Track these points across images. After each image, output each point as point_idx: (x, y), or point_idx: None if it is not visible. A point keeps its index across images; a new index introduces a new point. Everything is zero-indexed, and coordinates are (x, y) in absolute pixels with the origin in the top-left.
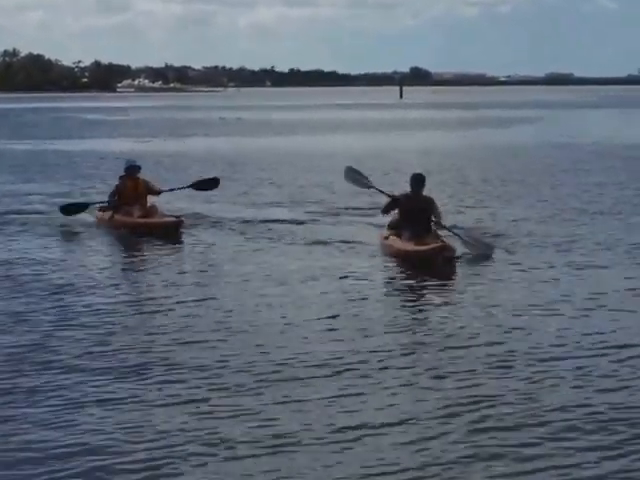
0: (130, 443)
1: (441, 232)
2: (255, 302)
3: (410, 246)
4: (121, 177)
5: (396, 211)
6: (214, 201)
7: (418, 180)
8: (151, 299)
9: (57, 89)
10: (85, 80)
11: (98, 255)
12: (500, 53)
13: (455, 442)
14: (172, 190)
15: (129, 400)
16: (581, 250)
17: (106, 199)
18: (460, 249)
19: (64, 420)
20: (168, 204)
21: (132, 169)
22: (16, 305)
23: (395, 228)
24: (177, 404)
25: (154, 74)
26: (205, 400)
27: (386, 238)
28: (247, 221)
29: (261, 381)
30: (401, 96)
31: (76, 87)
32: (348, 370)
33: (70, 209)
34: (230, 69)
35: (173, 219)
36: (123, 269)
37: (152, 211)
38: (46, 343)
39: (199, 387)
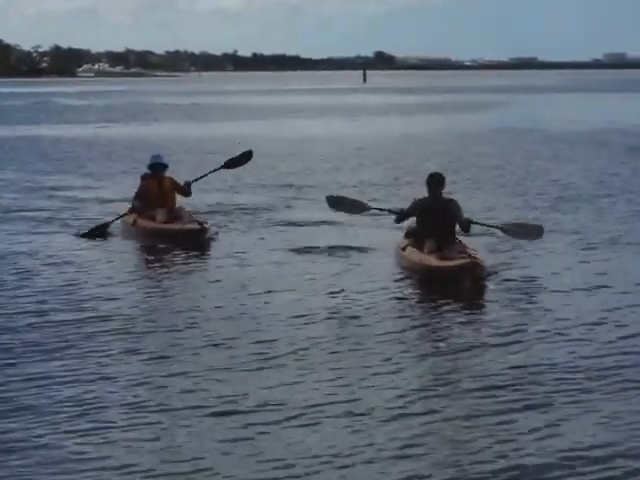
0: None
1: (468, 235)
2: (259, 316)
3: (433, 261)
4: (143, 176)
5: (413, 218)
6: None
7: (436, 180)
8: (159, 310)
9: (16, 74)
10: (44, 65)
11: (115, 263)
12: (464, 37)
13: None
14: (204, 177)
15: (143, 408)
16: (587, 242)
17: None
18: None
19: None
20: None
21: (157, 166)
22: (26, 314)
23: (414, 236)
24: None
25: (115, 59)
26: (225, 412)
27: (404, 249)
28: (262, 221)
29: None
30: (364, 80)
31: (35, 72)
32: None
33: (92, 234)
34: (192, 53)
35: (196, 225)
36: (137, 278)
37: (179, 214)
38: (57, 353)
39: (220, 397)
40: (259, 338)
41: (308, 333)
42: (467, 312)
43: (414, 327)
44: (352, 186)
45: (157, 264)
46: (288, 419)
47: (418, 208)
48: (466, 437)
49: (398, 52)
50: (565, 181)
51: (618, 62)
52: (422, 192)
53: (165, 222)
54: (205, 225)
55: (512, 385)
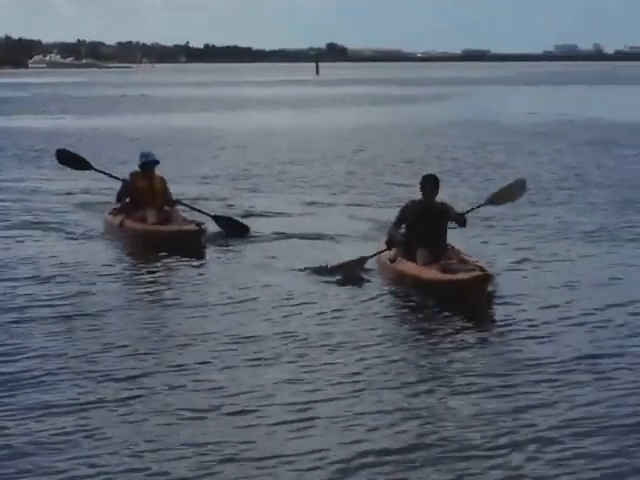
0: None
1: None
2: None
3: (434, 273)
4: (132, 173)
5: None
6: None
7: (431, 182)
8: (155, 326)
9: None
10: None
11: (102, 269)
12: (417, 29)
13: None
14: (191, 208)
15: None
16: (565, 237)
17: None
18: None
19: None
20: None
21: (149, 164)
22: (5, 327)
23: (402, 244)
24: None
25: (66, 50)
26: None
27: (392, 260)
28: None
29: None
30: (317, 72)
31: None
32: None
33: (67, 158)
34: (144, 45)
35: (193, 227)
36: (128, 286)
37: (171, 216)
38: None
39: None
40: (249, 342)
41: (298, 338)
42: (468, 319)
43: (420, 338)
44: (317, 179)
45: (149, 269)
46: (276, 419)
47: (411, 214)
48: (466, 441)
49: (350, 44)
50: (532, 174)
51: (569, 54)
52: (382, 181)
53: (156, 223)
54: (203, 226)
55: (511, 383)
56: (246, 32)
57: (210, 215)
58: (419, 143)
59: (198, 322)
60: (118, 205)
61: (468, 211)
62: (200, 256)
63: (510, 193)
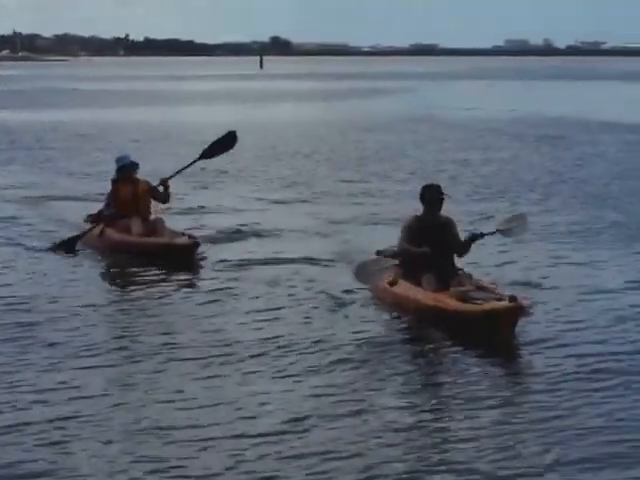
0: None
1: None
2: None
3: (453, 302)
4: (113, 180)
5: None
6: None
7: (434, 194)
8: (149, 353)
9: None
10: None
11: (79, 286)
12: (363, 23)
13: None
14: (179, 172)
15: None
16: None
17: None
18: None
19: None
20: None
21: (128, 167)
22: None
23: (400, 264)
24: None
25: (1, 42)
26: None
27: (392, 284)
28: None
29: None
30: (261, 66)
31: None
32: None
33: (60, 248)
34: (82, 37)
35: (187, 240)
36: (112, 307)
37: (158, 226)
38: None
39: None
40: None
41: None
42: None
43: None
44: (268, 176)
45: (133, 285)
46: (265, 439)
47: (413, 231)
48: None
49: (294, 37)
50: (491, 171)
51: (519, 49)
52: (332, 178)
53: (142, 234)
54: (197, 240)
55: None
56: (188, 25)
57: (198, 159)
58: (371, 139)
59: (188, 333)
60: (94, 212)
61: (472, 239)
62: (194, 271)
63: (517, 228)
